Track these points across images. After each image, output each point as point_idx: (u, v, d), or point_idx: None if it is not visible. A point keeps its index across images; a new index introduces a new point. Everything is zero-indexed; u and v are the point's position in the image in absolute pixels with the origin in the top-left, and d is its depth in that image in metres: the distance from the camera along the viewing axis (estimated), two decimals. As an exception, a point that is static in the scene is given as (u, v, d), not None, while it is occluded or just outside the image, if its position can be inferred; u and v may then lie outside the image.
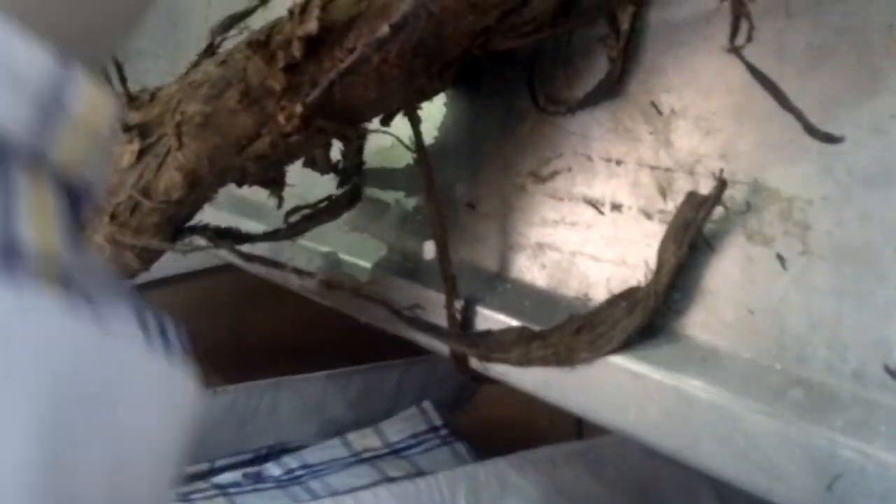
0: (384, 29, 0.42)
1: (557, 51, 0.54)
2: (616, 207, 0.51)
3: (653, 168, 0.50)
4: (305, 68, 0.46)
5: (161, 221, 0.48)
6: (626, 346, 0.46)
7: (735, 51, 0.42)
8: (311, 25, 0.44)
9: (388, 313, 0.52)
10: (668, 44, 0.50)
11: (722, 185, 0.45)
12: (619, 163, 0.51)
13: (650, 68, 0.50)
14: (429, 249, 0.59)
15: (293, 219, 0.56)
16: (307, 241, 0.64)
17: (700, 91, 0.48)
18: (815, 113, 0.42)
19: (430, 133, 0.60)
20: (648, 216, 0.50)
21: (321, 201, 0.56)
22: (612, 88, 0.51)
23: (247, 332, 1.22)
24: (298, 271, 0.51)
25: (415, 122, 0.53)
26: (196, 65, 0.50)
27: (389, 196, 0.62)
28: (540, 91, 0.54)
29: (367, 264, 0.62)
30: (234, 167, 0.48)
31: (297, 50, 0.45)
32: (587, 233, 0.52)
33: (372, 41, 0.43)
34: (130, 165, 0.47)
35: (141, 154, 0.47)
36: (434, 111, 0.60)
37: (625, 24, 0.50)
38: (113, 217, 0.47)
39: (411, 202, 0.62)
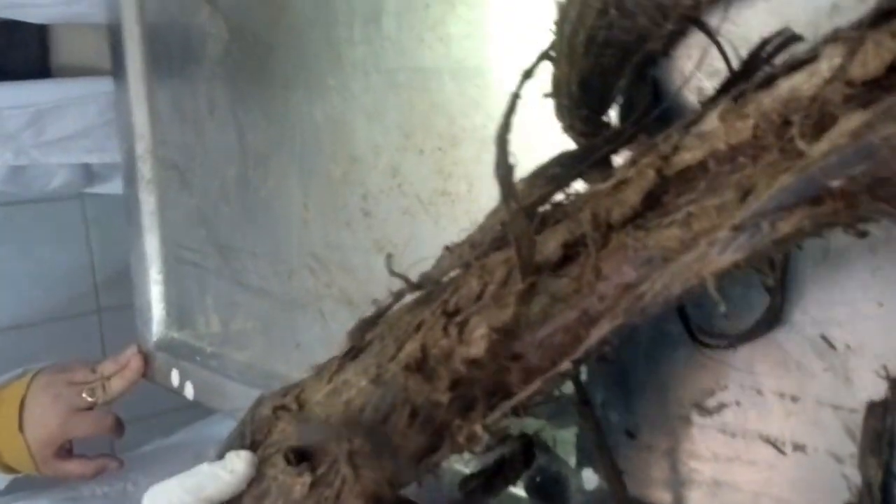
0: (566, 365, 0.39)
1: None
2: (799, 447, 0.47)
3: (835, 407, 0.46)
4: (471, 380, 0.43)
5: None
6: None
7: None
8: (478, 349, 0.41)
9: None
10: (831, 273, 0.46)
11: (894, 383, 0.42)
12: (794, 399, 0.47)
13: (814, 298, 0.47)
14: (589, 479, 0.56)
15: (470, 486, 0.53)
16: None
17: (875, 327, 0.44)
18: None
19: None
20: (839, 459, 0.46)
21: (494, 465, 0.53)
22: (774, 321, 0.47)
23: None
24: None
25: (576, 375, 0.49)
26: (340, 369, 0.47)
27: (530, 423, 0.59)
28: (692, 321, 0.51)
29: (521, 493, 0.58)
30: (413, 476, 0.46)
31: (462, 368, 0.42)
32: (770, 473, 0.48)
33: (552, 375, 0.40)
34: (303, 496, 0.45)
35: (313, 485, 0.44)
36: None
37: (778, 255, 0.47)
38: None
39: (556, 430, 0.58)
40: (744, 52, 0.45)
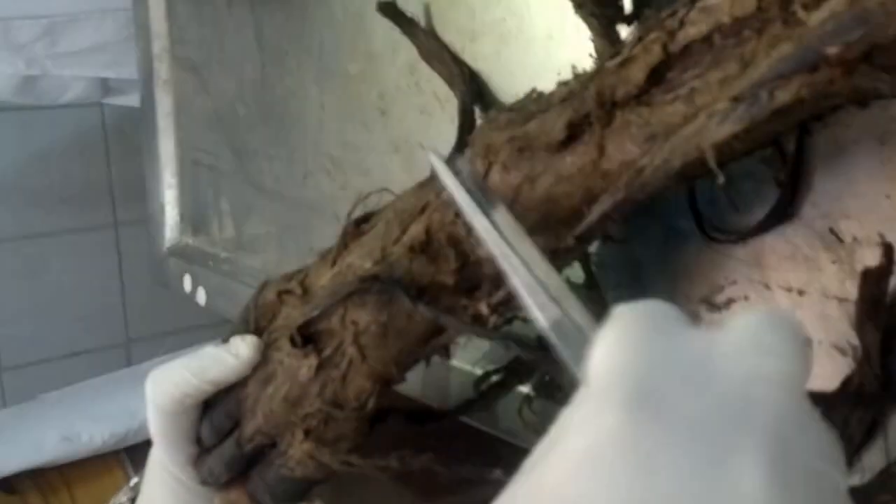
0: (569, 240, 0.41)
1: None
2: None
3: (841, 300, 0.48)
4: (477, 261, 0.45)
5: (359, 424, 0.48)
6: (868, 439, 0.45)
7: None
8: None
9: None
10: (840, 166, 0.47)
11: (890, 251, 0.44)
12: (801, 293, 0.49)
13: (823, 191, 0.48)
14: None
15: (484, 387, 0.56)
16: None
17: (883, 218, 0.46)
18: None
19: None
20: (843, 352, 0.48)
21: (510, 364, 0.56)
22: (784, 214, 0.49)
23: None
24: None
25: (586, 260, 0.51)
26: (345, 252, 0.49)
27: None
28: (703, 215, 0.52)
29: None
30: (420, 357, 0.48)
31: (468, 250, 0.45)
32: (774, 366, 0.50)
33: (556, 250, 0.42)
34: (309, 378, 0.47)
35: (320, 367, 0.47)
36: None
37: (790, 145, 0.48)
38: (307, 433, 0.47)
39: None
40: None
